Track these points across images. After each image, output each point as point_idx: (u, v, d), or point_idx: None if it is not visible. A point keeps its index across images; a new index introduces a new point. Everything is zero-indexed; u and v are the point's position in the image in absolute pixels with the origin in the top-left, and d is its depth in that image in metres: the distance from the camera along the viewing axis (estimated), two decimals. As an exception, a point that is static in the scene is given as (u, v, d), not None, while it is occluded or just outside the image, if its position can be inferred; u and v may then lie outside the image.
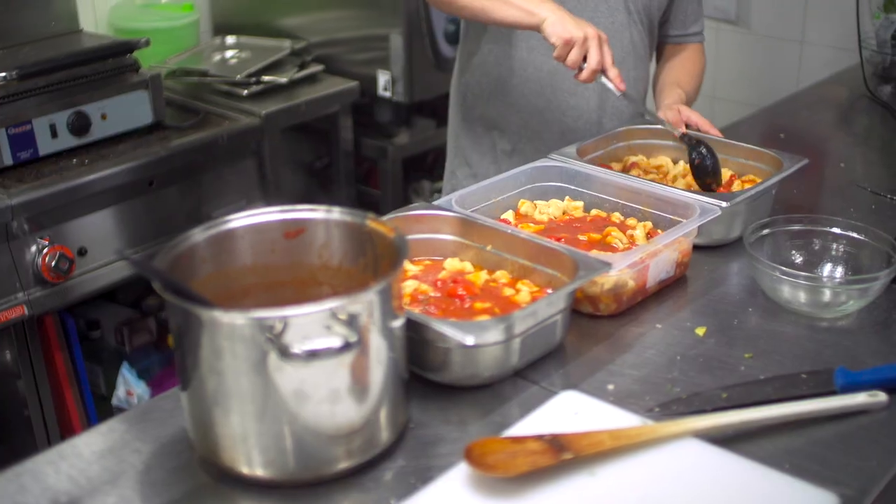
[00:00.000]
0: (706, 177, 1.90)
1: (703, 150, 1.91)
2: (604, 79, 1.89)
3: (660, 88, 2.28)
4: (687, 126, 2.04)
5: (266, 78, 2.96)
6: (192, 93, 2.99)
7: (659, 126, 2.03)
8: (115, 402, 2.77)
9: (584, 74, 1.87)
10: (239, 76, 2.93)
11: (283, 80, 2.96)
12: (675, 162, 2.03)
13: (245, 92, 2.91)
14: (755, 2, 3.43)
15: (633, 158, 2.03)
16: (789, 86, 3.29)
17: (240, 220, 1.30)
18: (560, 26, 1.85)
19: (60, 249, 2.39)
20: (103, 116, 2.62)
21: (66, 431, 2.65)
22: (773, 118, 2.71)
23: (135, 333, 2.84)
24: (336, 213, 1.32)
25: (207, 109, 2.88)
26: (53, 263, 2.37)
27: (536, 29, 1.90)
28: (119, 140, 2.66)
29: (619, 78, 1.88)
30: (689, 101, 2.23)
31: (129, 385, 2.76)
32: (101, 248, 2.52)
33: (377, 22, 3.03)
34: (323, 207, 1.31)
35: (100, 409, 2.75)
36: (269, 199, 2.88)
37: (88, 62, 2.64)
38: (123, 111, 2.65)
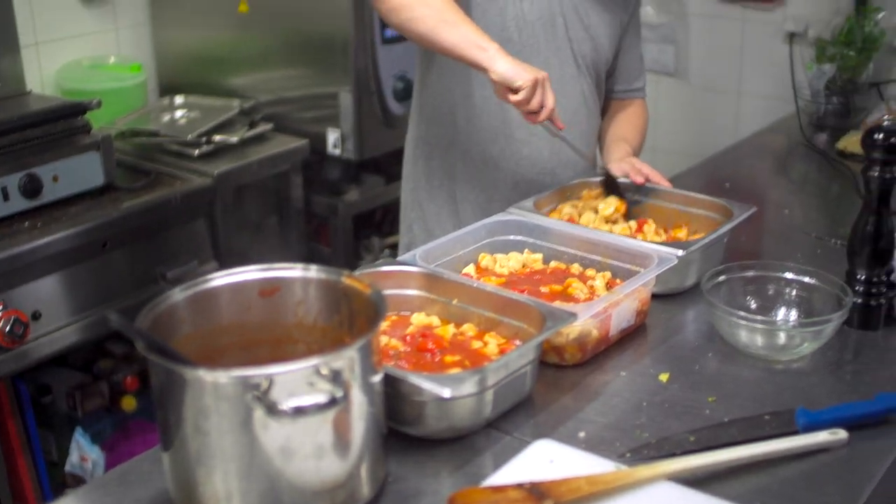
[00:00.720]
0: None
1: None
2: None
3: (608, 143, 2.34)
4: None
5: (217, 138, 2.98)
6: (142, 153, 3.00)
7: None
8: (68, 468, 2.73)
9: (542, 115, 1.92)
10: (190, 136, 2.95)
11: (233, 139, 2.98)
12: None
13: (196, 152, 2.93)
14: (693, 55, 3.53)
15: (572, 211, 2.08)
16: (728, 135, 3.38)
17: (218, 279, 1.32)
18: (521, 70, 1.88)
19: (15, 314, 2.37)
20: (55, 178, 2.61)
21: (19, 501, 2.61)
22: (715, 168, 2.79)
23: (87, 398, 2.81)
24: (312, 271, 1.34)
25: (159, 170, 2.89)
26: (8, 328, 2.35)
27: (483, 64, 1.90)
28: (71, 202, 2.65)
29: (558, 118, 1.98)
30: (636, 155, 2.30)
31: (83, 450, 2.73)
32: (55, 311, 2.51)
33: (326, 80, 3.07)
34: (300, 265, 1.34)
35: (52, 476, 2.71)
36: (221, 258, 2.89)
37: (39, 124, 2.64)
38: (75, 173, 2.65)
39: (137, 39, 3.46)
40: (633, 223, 2.02)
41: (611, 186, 2.07)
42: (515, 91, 1.89)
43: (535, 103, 1.90)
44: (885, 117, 2.11)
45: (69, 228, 2.53)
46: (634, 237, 1.92)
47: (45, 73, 3.22)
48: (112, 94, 3.13)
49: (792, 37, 3.26)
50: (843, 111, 3.08)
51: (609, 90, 2.42)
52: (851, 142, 2.76)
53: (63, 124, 2.69)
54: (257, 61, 3.25)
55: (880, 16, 3.05)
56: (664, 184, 2.12)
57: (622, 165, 2.14)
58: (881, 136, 1.70)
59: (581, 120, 2.27)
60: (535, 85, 1.88)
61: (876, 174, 1.73)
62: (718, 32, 3.45)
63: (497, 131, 2.23)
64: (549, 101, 1.91)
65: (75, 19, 3.31)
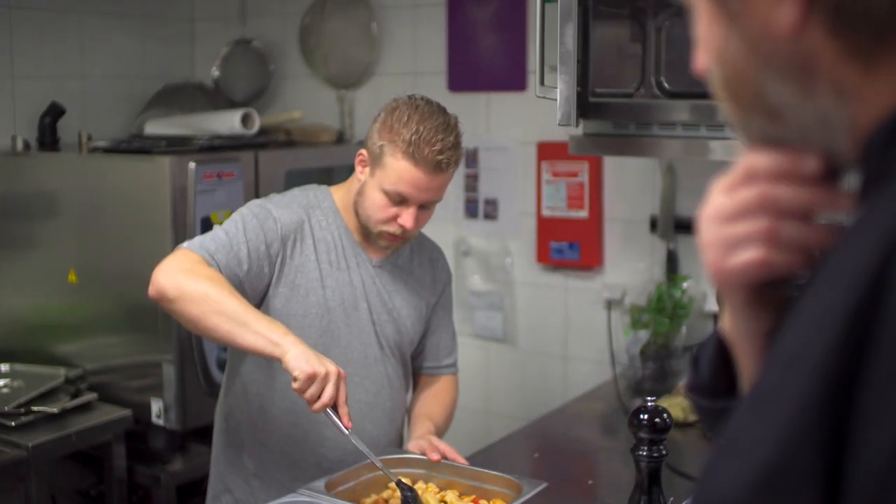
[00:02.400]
0: None
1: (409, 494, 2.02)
2: (332, 415, 1.98)
3: (413, 419, 2.41)
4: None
5: (36, 408, 2.93)
6: (-42, 424, 2.94)
7: (409, 454, 2.14)
8: None
9: (316, 406, 1.95)
10: (7, 407, 2.90)
11: (53, 410, 2.94)
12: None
13: (13, 423, 2.87)
14: (520, 322, 3.66)
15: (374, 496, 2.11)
16: (557, 398, 3.47)
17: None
18: (304, 360, 1.94)
19: None
20: None
21: None
22: (535, 434, 2.85)
23: None
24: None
25: (-27, 444, 2.82)
26: None
27: (279, 359, 1.97)
28: None
29: (347, 416, 1.99)
30: (440, 432, 2.37)
31: None
32: None
33: (150, 349, 3.08)
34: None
35: None
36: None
37: None
38: None
39: (-31, 305, 3.45)
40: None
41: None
42: (295, 379, 1.95)
43: (309, 394, 1.94)
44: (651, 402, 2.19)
45: None
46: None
47: None
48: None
49: (610, 304, 3.42)
50: (659, 376, 3.20)
51: (418, 367, 2.51)
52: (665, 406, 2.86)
53: None
54: (85, 330, 3.26)
55: (686, 284, 3.23)
56: (459, 461, 2.17)
57: (420, 443, 2.21)
58: (646, 416, 1.79)
59: (384, 400, 2.35)
60: (312, 378, 1.93)
61: (644, 453, 1.81)
62: (543, 300, 3.60)
63: (300, 414, 2.26)
64: (325, 396, 1.95)
65: None
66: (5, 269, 3.42)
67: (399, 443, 2.42)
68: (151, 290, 2.08)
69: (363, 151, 2.28)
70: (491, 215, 3.65)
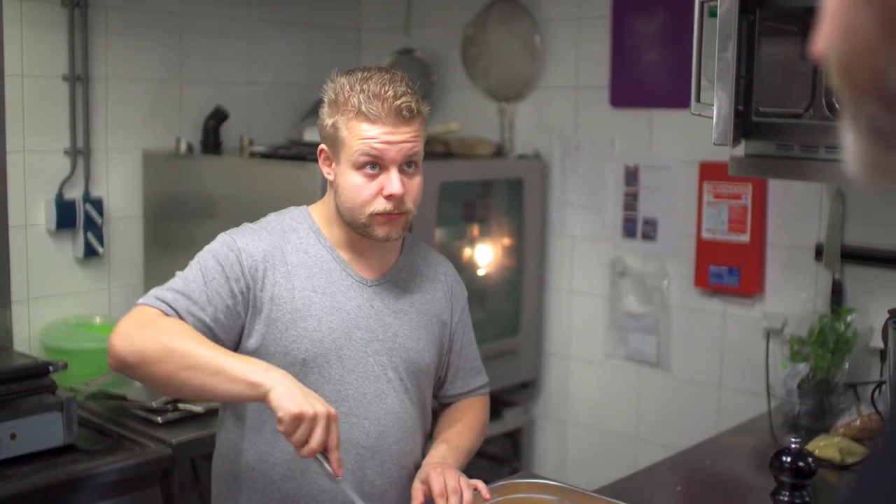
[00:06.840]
0: None
1: None
2: (322, 460, 1.80)
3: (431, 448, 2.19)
4: None
5: (182, 406, 2.98)
6: (110, 416, 3.01)
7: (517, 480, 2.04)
8: None
9: (304, 451, 1.77)
10: (154, 403, 2.96)
11: (198, 408, 2.98)
12: None
13: (160, 419, 2.93)
14: (674, 347, 3.53)
15: None
16: (709, 428, 3.33)
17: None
18: (289, 399, 1.75)
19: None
20: (12, 436, 2.62)
21: None
22: (682, 466, 2.73)
23: None
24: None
25: (122, 434, 2.89)
26: None
27: (263, 400, 1.79)
28: (27, 461, 2.65)
29: (337, 462, 1.80)
30: (462, 451, 2.16)
31: None
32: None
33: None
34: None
35: None
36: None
37: (4, 382, 2.68)
38: (34, 432, 2.66)
39: (129, 299, 3.54)
40: None
41: None
42: (280, 421, 1.77)
43: (296, 438, 1.76)
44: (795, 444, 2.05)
45: (19, 490, 2.50)
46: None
47: (34, 329, 3.29)
48: (93, 354, 3.17)
49: (769, 333, 3.26)
50: (816, 412, 3.03)
51: (442, 398, 2.32)
52: (819, 446, 2.69)
53: (28, 383, 2.72)
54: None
55: (851, 317, 3.05)
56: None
57: (417, 481, 2.03)
58: (789, 459, 1.67)
59: (389, 443, 2.12)
60: (299, 419, 1.74)
61: (785, 499, 1.69)
62: (699, 325, 3.46)
63: (292, 464, 2.05)
64: (314, 441, 1.76)
65: (69, 278, 3.42)
66: (164, 268, 3.50)
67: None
68: (110, 362, 1.91)
69: (322, 147, 2.10)
70: (649, 235, 3.53)
